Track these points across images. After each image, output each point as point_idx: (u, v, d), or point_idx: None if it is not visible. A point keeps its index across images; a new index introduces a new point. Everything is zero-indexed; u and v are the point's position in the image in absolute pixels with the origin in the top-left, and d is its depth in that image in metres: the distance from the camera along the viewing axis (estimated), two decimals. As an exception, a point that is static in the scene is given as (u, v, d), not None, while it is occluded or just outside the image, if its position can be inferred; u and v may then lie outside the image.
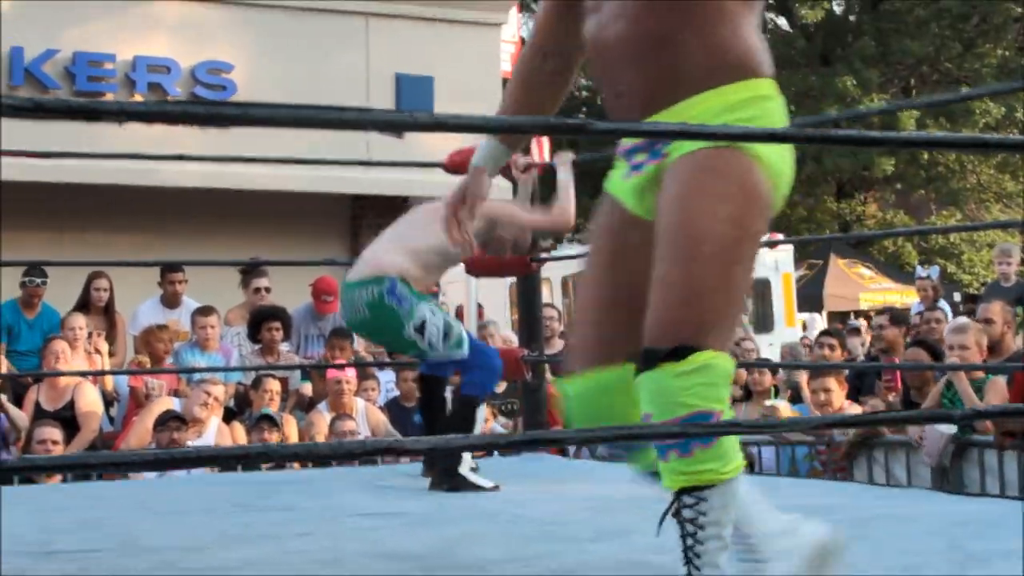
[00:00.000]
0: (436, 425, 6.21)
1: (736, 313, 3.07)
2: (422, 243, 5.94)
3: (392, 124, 2.05)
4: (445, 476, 5.82)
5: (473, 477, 5.83)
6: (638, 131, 2.46)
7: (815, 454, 8.03)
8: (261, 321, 9.55)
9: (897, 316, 10.45)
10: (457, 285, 20.05)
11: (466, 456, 5.81)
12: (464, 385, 6.06)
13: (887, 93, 27.78)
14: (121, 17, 12.47)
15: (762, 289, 18.54)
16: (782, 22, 31.20)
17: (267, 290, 10.24)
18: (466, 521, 5.05)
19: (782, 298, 18.70)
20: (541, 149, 18.22)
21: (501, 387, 9.47)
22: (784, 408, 8.25)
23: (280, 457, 1.86)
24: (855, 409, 8.38)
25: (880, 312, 12.69)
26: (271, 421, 8.41)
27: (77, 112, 1.89)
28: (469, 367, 6.01)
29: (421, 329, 5.81)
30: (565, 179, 6.25)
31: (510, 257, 6.88)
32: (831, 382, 8.22)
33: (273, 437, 8.24)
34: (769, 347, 16.08)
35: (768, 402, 8.51)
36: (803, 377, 8.44)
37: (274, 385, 8.93)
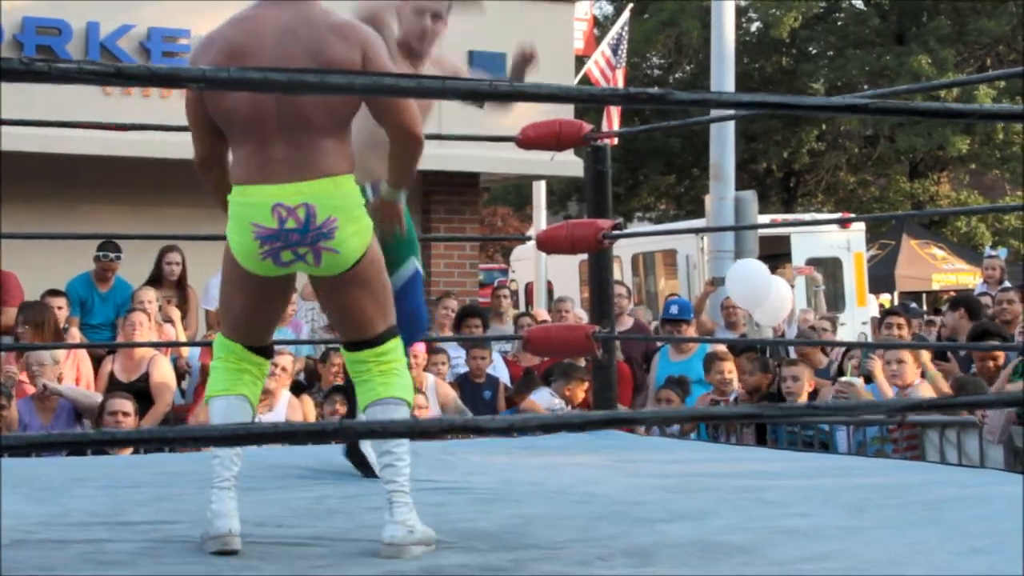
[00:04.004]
0: None
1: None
2: None
3: (473, 93, 2.03)
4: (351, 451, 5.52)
5: (371, 454, 5.34)
6: (719, 102, 2.42)
7: (886, 434, 7.97)
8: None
9: (960, 301, 10.32)
10: (527, 262, 20.19)
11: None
12: None
13: (963, 72, 27.48)
14: (195, -8, 12.54)
15: (833, 269, 18.44)
16: (856, 1, 30.95)
17: (341, 265, 10.27)
18: (536, 499, 5.04)
19: (854, 278, 18.59)
20: (611, 120, 18.17)
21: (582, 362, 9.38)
22: (860, 386, 8.17)
23: (356, 434, 1.84)
24: (925, 387, 8.28)
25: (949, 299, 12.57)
26: (343, 393, 8.42)
27: (158, 79, 1.88)
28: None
29: None
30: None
31: (582, 234, 6.86)
32: (904, 353, 8.15)
33: (343, 410, 8.25)
34: (841, 327, 15.98)
35: (845, 378, 8.42)
36: (876, 361, 8.35)
37: (340, 359, 8.94)
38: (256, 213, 4.05)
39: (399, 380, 4.22)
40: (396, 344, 4.27)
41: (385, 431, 2.15)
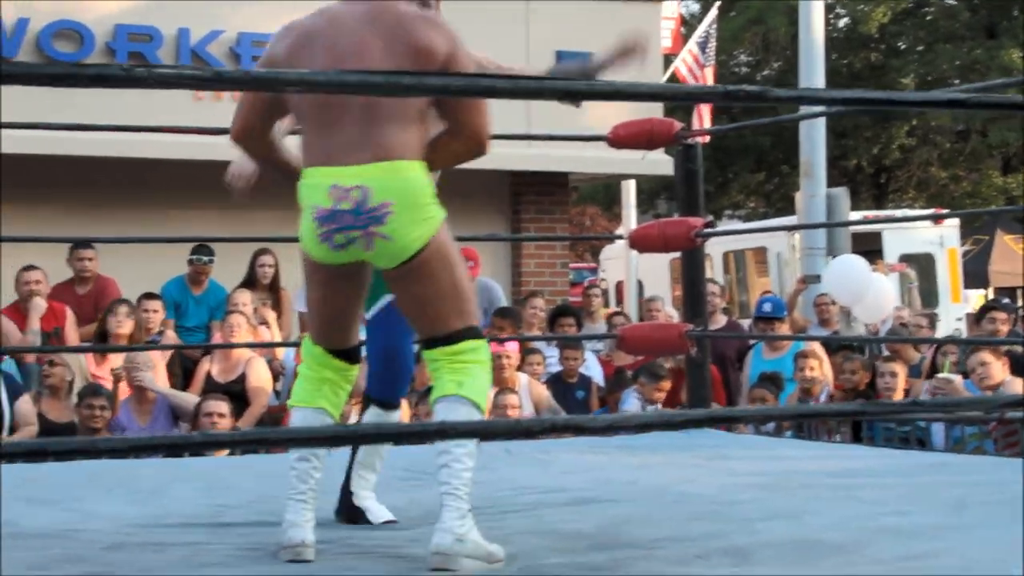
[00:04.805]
0: None
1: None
2: None
3: (570, 93, 2.02)
4: (342, 499, 4.80)
5: (367, 505, 4.76)
6: (817, 98, 2.40)
7: (986, 432, 7.87)
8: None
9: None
10: (617, 261, 20.13)
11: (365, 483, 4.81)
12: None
13: (1055, 65, 27.12)
14: (284, -3, 12.61)
15: (926, 264, 18.29)
16: (947, -7, 30.64)
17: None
18: (632, 498, 5.02)
19: (947, 274, 18.43)
20: (701, 118, 18.09)
21: (670, 362, 9.33)
22: (959, 382, 8.09)
23: (457, 434, 1.84)
24: (1018, 385, 8.18)
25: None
26: (437, 395, 8.44)
27: (256, 83, 1.89)
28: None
29: None
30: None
31: (674, 232, 6.84)
32: (987, 355, 8.07)
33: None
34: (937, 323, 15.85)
35: (941, 374, 8.35)
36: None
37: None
38: (315, 194, 4.03)
39: (470, 380, 4.08)
40: (475, 345, 4.13)
41: (486, 431, 2.15)
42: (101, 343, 8.97)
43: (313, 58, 4.05)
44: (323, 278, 4.19)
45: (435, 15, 4.18)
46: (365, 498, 4.74)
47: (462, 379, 4.08)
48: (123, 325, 8.90)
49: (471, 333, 4.15)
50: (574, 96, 1.93)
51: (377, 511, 4.70)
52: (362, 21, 4.05)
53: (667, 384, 9.07)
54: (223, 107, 11.70)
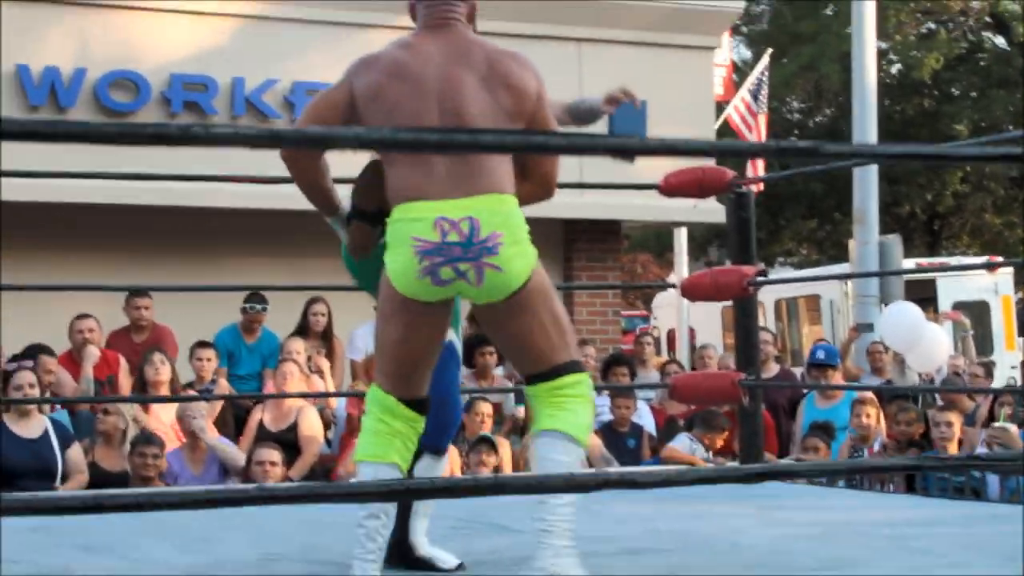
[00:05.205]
0: None
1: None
2: None
3: (622, 149, 2.03)
4: (396, 548, 4.60)
5: (434, 553, 4.70)
6: (869, 153, 2.40)
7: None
8: (475, 346, 9.60)
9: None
10: (669, 309, 20.08)
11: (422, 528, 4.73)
12: None
13: (1111, 111, 26.97)
14: (338, 46, 12.66)
15: (980, 312, 18.17)
16: (1000, 41, 30.53)
17: (482, 316, 10.30)
18: (684, 549, 5.00)
19: (1002, 321, 18.31)
20: (755, 164, 18.06)
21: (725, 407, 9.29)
22: (1015, 432, 8.03)
23: (512, 489, 1.85)
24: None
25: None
26: (489, 444, 8.45)
27: (311, 141, 1.91)
28: None
29: None
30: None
31: (727, 281, 6.82)
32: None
33: (491, 460, 8.27)
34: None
35: (998, 423, 8.29)
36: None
37: (486, 408, 8.99)
38: (417, 228, 3.96)
39: (569, 416, 4.08)
40: (576, 380, 4.13)
41: (541, 486, 2.15)
42: (142, 391, 9.01)
43: (403, 94, 4.02)
44: (409, 318, 4.08)
45: (520, 53, 4.19)
46: (424, 544, 4.68)
47: (558, 413, 4.08)
48: (160, 373, 8.94)
49: (573, 367, 4.15)
50: (627, 152, 1.94)
51: (446, 557, 4.64)
52: (451, 56, 4.05)
53: (725, 435, 9.03)
54: (277, 153, 11.78)
